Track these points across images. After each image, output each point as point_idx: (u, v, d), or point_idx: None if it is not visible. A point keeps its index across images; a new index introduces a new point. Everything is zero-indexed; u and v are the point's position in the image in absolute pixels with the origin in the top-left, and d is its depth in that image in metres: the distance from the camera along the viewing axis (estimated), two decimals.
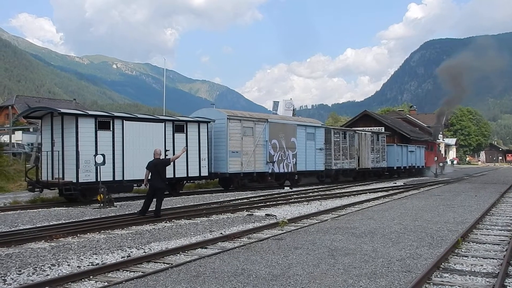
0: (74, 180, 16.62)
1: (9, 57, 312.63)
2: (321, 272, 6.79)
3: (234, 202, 17.55)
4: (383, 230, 10.57)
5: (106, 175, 17.22)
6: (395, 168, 37.93)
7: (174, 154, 19.61)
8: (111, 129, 17.89)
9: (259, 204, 16.32)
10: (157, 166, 13.25)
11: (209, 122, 21.98)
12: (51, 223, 12.09)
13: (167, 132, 19.83)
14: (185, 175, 20.68)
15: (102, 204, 15.88)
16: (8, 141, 32.62)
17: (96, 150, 17.07)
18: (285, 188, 24.54)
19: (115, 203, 16.35)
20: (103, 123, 17.71)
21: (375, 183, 30.41)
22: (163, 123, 19.84)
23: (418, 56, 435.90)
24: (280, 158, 25.18)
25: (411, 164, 40.76)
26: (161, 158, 13.66)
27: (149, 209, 13.34)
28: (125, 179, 18.17)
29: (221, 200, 18.23)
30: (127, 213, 14.33)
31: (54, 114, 17.70)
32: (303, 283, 6.23)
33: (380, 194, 20.91)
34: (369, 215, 13.37)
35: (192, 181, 22.99)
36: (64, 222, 12.34)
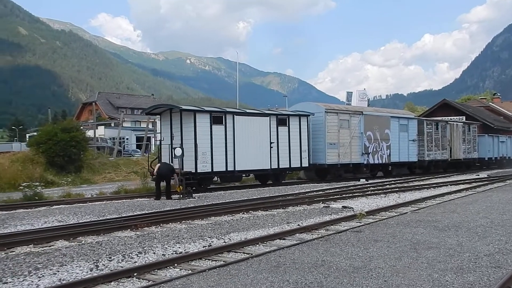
0: (193, 170, 17.87)
1: (91, 56, 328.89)
2: (404, 266, 6.64)
3: (309, 194, 17.51)
4: (467, 223, 10.14)
5: (219, 166, 18.69)
6: (486, 159, 36.90)
7: (278, 146, 20.89)
8: (224, 123, 19.05)
9: (335, 196, 16.18)
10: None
11: (309, 115, 22.77)
12: (135, 213, 12.67)
13: (272, 126, 20.85)
14: (288, 166, 21.70)
15: (181, 196, 16.41)
16: (92, 136, 34.33)
17: (211, 143, 18.44)
18: (361, 180, 24.19)
19: (193, 195, 16.84)
20: (216, 118, 18.94)
21: (456, 175, 29.22)
22: (268, 117, 20.92)
23: (501, 40, 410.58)
24: (374, 150, 25.75)
25: (502, 154, 39.27)
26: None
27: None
28: (236, 169, 19.37)
29: (297, 192, 18.25)
30: (205, 204, 14.69)
31: (173, 110, 19.21)
32: (386, 276, 6.12)
33: (462, 186, 20.05)
34: (451, 208, 12.88)
35: (290, 172, 23.85)
36: (147, 212, 12.89)
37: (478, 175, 28.81)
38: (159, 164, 17.10)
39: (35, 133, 36.57)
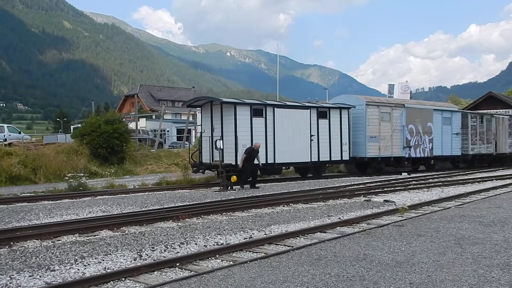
0: (233, 163, 18.02)
1: (132, 49, 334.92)
2: (448, 261, 6.49)
3: (350, 187, 17.34)
4: None
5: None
6: None
7: (318, 139, 20.82)
8: (264, 115, 19.10)
9: (376, 190, 15.95)
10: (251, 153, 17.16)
11: (350, 108, 22.56)
12: (177, 205, 12.85)
13: (312, 118, 20.78)
14: (328, 159, 21.61)
15: (221, 188, 16.54)
16: (134, 128, 34.90)
17: (251, 136, 18.46)
18: (403, 174, 23.79)
19: (233, 187, 16.95)
20: (257, 111, 19.02)
21: (501, 169, 28.32)
22: (309, 110, 20.87)
23: None
24: (416, 143, 25.36)
25: None
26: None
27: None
28: (276, 162, 19.44)
29: (337, 185, 18.10)
30: (245, 196, 14.76)
31: (213, 103, 19.33)
32: (429, 271, 6.00)
33: (508, 181, 19.40)
34: (497, 203, 12.50)
35: (330, 165, 23.74)
36: (188, 203, 13.04)
37: None
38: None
39: (79, 125, 37.55)
